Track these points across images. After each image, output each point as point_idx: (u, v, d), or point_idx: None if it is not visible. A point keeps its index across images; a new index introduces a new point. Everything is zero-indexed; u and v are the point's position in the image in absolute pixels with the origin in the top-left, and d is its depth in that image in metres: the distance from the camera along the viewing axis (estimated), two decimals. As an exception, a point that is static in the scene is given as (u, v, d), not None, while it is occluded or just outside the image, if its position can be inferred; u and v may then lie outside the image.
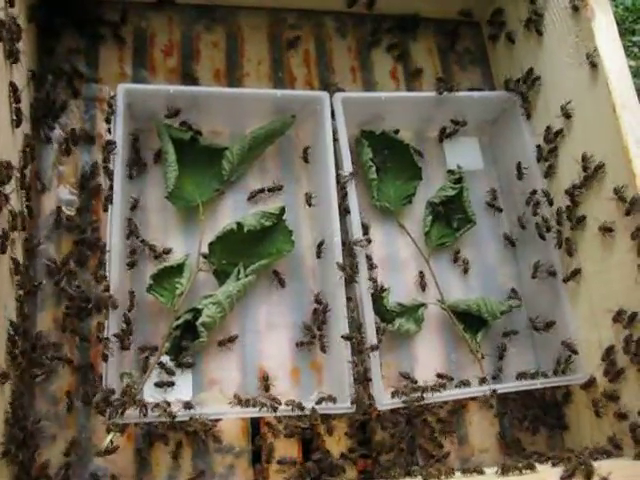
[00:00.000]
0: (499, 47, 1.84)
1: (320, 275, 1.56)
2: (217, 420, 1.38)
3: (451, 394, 1.44)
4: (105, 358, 1.28)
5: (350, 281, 1.45)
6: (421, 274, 1.61)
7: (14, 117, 1.35)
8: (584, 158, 1.47)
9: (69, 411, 1.36)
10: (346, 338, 1.39)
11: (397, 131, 1.70)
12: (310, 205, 1.58)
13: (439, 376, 1.51)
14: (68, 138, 1.52)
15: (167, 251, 1.50)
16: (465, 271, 1.65)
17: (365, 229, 1.54)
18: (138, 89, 1.51)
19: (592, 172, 1.45)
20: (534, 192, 1.60)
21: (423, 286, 1.61)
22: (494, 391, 1.43)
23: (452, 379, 1.51)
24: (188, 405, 1.32)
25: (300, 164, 1.65)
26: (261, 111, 1.59)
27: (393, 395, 1.40)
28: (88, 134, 1.56)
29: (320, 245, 1.53)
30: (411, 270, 1.63)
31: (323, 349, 1.46)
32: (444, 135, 1.74)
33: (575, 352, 1.49)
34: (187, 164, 1.53)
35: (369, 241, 1.54)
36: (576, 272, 1.51)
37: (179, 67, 1.69)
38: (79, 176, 1.52)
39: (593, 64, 1.44)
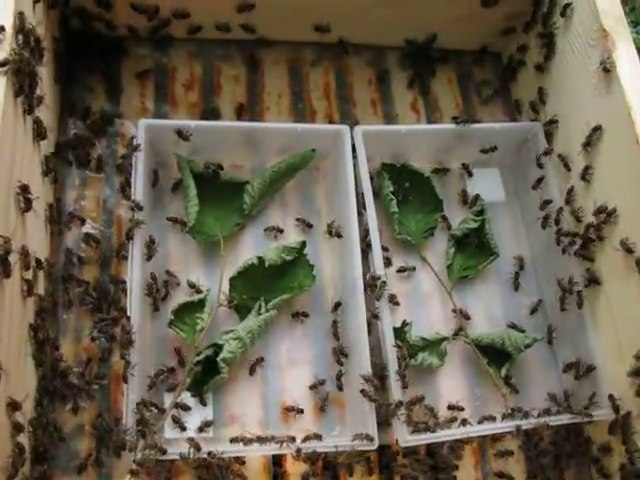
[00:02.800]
0: (519, 77, 1.84)
1: (341, 311, 1.53)
2: (239, 460, 1.36)
3: (472, 430, 1.41)
4: (125, 380, 1.27)
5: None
6: (455, 310, 1.60)
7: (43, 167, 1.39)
8: (599, 209, 1.47)
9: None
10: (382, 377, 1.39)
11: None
12: (336, 235, 1.55)
13: (450, 408, 1.49)
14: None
15: (192, 284, 1.49)
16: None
17: (387, 263, 1.53)
18: (159, 124, 1.52)
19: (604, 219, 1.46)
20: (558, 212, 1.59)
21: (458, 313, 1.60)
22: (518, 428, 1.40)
23: (463, 409, 1.48)
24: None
25: (321, 198, 1.64)
26: (282, 145, 1.59)
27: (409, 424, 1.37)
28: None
29: (337, 306, 1.52)
30: (433, 303, 1.61)
31: (340, 388, 1.46)
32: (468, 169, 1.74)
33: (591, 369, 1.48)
34: (208, 198, 1.53)
35: (404, 270, 1.58)
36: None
37: (200, 102, 1.69)
38: (101, 210, 1.53)
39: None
